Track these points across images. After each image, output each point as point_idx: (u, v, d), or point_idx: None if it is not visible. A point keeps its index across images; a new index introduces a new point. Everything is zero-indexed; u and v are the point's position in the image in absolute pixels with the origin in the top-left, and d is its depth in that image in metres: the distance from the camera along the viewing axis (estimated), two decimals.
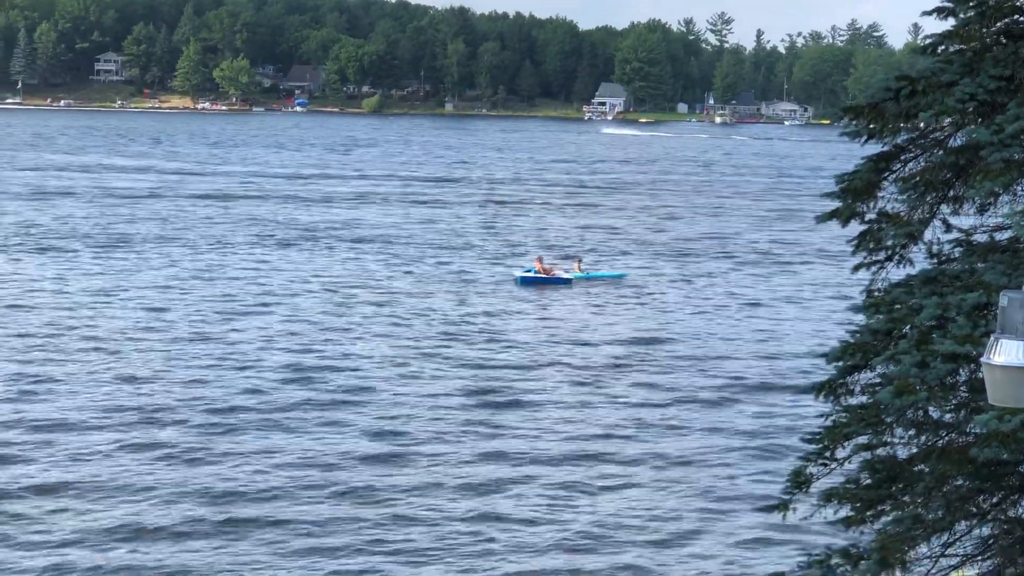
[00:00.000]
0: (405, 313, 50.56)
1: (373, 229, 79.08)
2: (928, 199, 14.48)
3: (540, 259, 60.88)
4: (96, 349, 42.31)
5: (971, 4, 14.04)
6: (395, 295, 55.00)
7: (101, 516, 26.76)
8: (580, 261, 62.40)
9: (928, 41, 14.55)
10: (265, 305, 51.37)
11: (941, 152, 14.43)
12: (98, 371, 39.30)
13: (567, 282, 59.12)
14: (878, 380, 14.09)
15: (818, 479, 14.63)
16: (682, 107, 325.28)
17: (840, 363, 14.43)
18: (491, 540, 26.08)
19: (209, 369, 39.87)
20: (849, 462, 14.44)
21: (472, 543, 25.89)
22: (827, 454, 14.39)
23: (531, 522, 27.17)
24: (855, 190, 14.64)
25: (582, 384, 39.77)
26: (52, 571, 23.86)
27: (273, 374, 39.50)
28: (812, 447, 14.52)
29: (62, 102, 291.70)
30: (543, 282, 58.61)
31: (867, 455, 14.27)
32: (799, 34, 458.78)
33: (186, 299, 52.32)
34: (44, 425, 33.15)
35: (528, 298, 55.62)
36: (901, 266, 14.71)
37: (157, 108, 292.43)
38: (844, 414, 14.30)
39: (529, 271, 59.66)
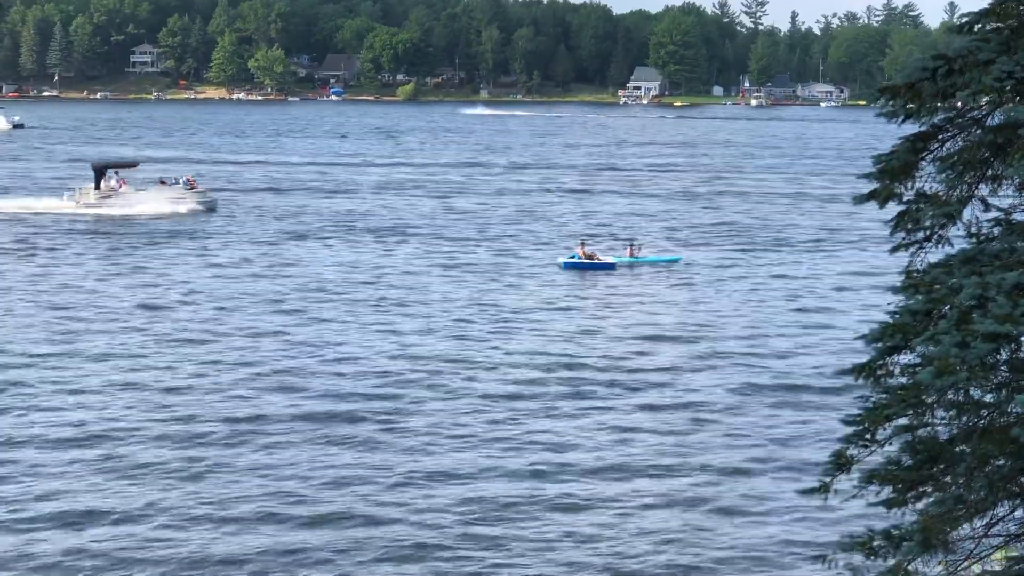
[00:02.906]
0: (450, 298, 50.62)
1: (419, 218, 79.21)
2: (966, 178, 14.40)
3: (583, 245, 60.86)
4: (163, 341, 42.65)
5: None
6: (439, 281, 55.06)
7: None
8: (632, 246, 62.34)
9: (964, 20, 14.46)
10: (307, 293, 51.50)
11: (979, 131, 14.35)
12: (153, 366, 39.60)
13: (611, 267, 59.09)
14: (918, 361, 14.03)
15: (859, 461, 14.59)
16: (717, 90, 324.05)
17: (880, 344, 14.38)
18: (539, 526, 26.16)
19: (256, 361, 39.97)
20: (890, 443, 14.40)
21: (520, 530, 25.98)
22: (868, 436, 14.35)
23: (572, 506, 27.23)
24: (893, 171, 14.57)
25: (622, 365, 39.78)
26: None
27: (313, 360, 39.66)
28: (852, 429, 14.48)
29: (99, 94, 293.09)
30: (587, 267, 58.59)
31: (908, 436, 14.22)
32: (834, 15, 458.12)
33: (223, 290, 52.58)
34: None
35: (571, 283, 55.52)
36: (940, 246, 14.65)
37: (193, 99, 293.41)
38: (884, 395, 14.25)
39: (573, 257, 59.69)
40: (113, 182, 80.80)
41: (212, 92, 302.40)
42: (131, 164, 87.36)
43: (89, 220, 75.82)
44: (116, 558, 24.21)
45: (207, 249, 64.99)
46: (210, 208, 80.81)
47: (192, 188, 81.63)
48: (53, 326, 45.05)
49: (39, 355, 40.41)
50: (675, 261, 61.60)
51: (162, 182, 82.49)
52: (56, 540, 24.97)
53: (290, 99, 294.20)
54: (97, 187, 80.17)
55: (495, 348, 42.07)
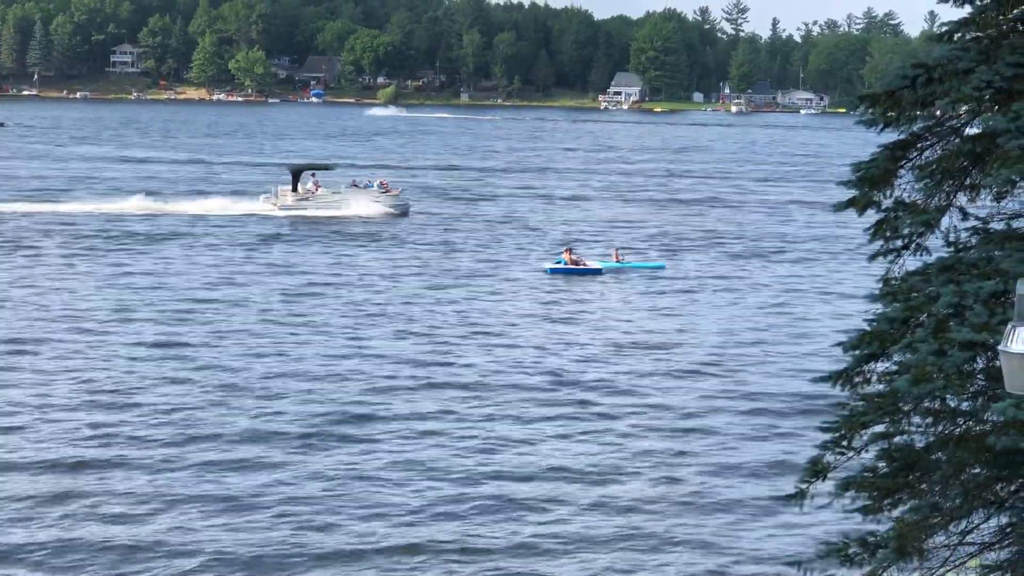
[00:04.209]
0: (431, 306, 50.35)
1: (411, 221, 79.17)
2: (945, 187, 14.47)
3: (569, 250, 60.71)
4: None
5: None
6: (422, 287, 54.83)
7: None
8: (618, 251, 62.27)
9: (944, 29, 14.54)
10: (288, 300, 51.11)
11: (958, 140, 14.42)
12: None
13: (598, 272, 58.98)
14: (895, 368, 14.09)
15: (835, 468, 14.63)
16: (698, 96, 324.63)
17: (857, 352, 14.43)
18: (516, 529, 26.13)
19: (255, 369, 39.58)
20: (866, 451, 14.43)
21: (499, 532, 25.95)
22: (844, 443, 14.39)
23: (546, 509, 27.20)
24: (871, 178, 14.63)
25: (602, 372, 39.75)
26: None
27: (298, 368, 39.45)
28: (829, 436, 14.52)
29: (78, 94, 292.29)
30: (573, 272, 58.42)
31: (884, 443, 14.27)
32: (815, 22, 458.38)
33: (221, 291, 52.45)
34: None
35: (556, 289, 55.33)
36: (918, 254, 14.70)
37: (173, 99, 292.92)
38: (861, 403, 14.29)
39: (559, 262, 59.49)
40: (309, 184, 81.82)
41: (192, 93, 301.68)
42: (327, 167, 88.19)
43: (287, 222, 76.83)
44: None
45: (400, 251, 66.26)
46: (403, 212, 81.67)
47: (386, 191, 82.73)
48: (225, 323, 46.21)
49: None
50: (659, 267, 61.51)
51: (355, 185, 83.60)
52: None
53: (270, 101, 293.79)
54: (294, 189, 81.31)
55: (477, 355, 41.83)
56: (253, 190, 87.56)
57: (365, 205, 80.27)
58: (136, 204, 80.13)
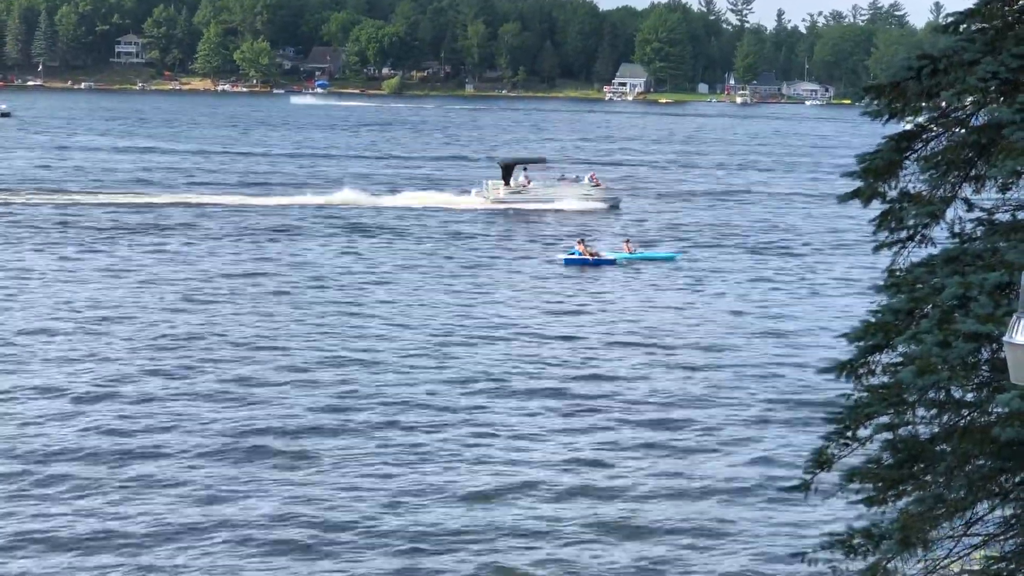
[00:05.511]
0: (448, 296, 50.29)
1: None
2: (950, 178, 14.44)
3: (582, 241, 60.58)
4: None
5: None
6: (437, 278, 54.75)
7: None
8: (629, 242, 62.25)
9: (950, 20, 14.52)
10: (310, 292, 50.92)
11: (963, 131, 14.39)
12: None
13: (612, 263, 58.96)
14: (900, 360, 14.07)
15: (840, 459, 14.61)
16: (703, 87, 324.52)
17: (862, 343, 14.41)
18: (516, 525, 26.14)
19: (255, 360, 39.37)
20: (871, 442, 14.41)
21: (501, 528, 25.94)
22: (849, 434, 14.38)
23: (555, 503, 27.20)
24: (876, 170, 14.61)
25: (615, 365, 39.67)
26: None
27: (314, 356, 39.36)
28: (834, 427, 14.51)
29: (83, 84, 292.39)
30: (588, 263, 58.39)
31: (889, 435, 14.25)
32: (820, 13, 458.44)
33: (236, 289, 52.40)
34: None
35: (572, 280, 55.22)
36: (923, 245, 14.68)
37: (178, 90, 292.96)
38: (866, 394, 14.27)
39: (573, 253, 59.44)
40: (521, 178, 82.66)
41: (197, 83, 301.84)
42: (539, 160, 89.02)
43: (502, 215, 77.99)
44: None
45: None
46: (614, 205, 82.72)
47: (596, 185, 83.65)
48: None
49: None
50: (671, 258, 61.40)
51: (564, 179, 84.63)
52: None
53: (275, 91, 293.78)
54: (506, 183, 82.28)
55: (493, 349, 41.51)
56: (460, 184, 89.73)
57: (577, 199, 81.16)
58: (345, 196, 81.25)
